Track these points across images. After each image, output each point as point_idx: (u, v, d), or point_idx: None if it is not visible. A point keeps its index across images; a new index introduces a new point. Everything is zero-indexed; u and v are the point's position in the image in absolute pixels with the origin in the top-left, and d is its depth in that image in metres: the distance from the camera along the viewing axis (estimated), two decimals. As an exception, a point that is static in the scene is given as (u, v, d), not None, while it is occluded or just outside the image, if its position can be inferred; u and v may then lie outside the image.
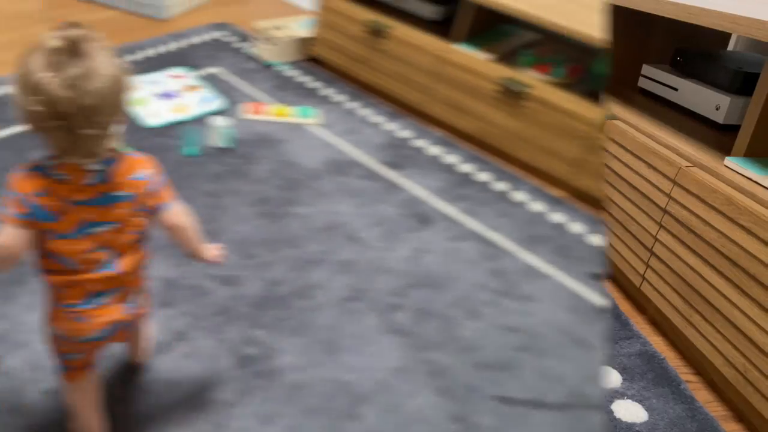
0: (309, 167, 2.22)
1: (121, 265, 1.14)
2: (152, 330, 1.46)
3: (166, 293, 1.63)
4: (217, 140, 2.21)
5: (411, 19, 2.64)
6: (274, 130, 2.40)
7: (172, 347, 1.50)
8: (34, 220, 1.05)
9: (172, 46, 2.87)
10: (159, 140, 2.20)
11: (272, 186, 2.09)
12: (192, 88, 2.55)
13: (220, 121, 2.22)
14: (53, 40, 0.97)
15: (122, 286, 1.16)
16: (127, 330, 1.24)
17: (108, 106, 1.00)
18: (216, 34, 3.06)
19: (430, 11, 2.63)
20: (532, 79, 2.30)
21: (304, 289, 1.72)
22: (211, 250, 1.25)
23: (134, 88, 1.08)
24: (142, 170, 1.12)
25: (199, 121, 2.34)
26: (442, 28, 2.58)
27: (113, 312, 1.16)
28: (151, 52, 2.79)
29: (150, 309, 1.34)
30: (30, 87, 0.95)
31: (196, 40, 2.95)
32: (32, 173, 1.05)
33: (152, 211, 1.15)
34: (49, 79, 0.94)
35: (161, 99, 2.44)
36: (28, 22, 3.03)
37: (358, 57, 2.71)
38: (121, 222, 1.11)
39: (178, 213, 1.17)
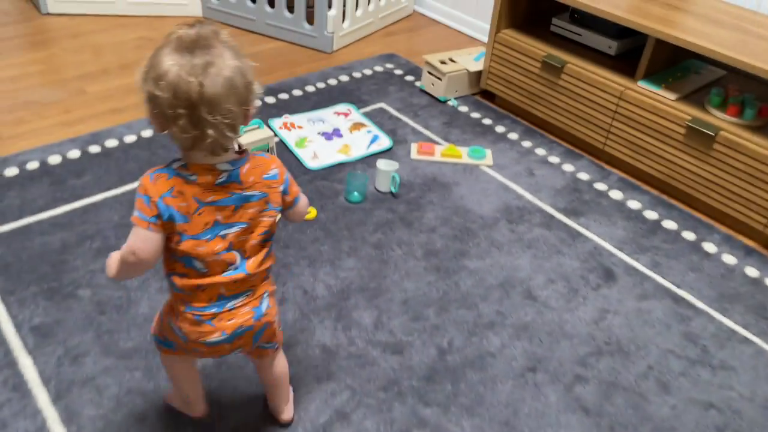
0: (481, 214, 2.18)
1: (251, 266, 1.13)
2: (284, 362, 1.39)
3: (327, 364, 1.61)
4: (383, 185, 2.25)
5: (588, 54, 2.54)
6: (443, 172, 2.39)
7: (334, 430, 1.48)
8: (166, 222, 1.05)
9: (338, 79, 3.00)
10: (321, 184, 2.27)
11: (442, 235, 2.08)
12: (357, 126, 2.62)
13: (386, 165, 2.26)
14: (182, 32, 1.00)
15: (251, 289, 1.16)
16: (251, 339, 1.21)
17: (232, 98, 1.00)
18: (383, 67, 3.15)
19: (608, 45, 2.51)
20: (721, 120, 2.16)
21: (478, 357, 1.68)
22: None
23: (257, 89, 1.06)
24: (272, 169, 1.13)
25: (364, 162, 2.40)
26: (621, 63, 2.48)
27: (240, 316, 1.15)
28: (315, 86, 2.93)
29: (278, 319, 1.29)
30: (158, 74, 0.98)
31: (362, 73, 3.06)
32: (162, 174, 1.06)
33: (284, 209, 1.17)
34: (176, 67, 0.97)
35: (325, 139, 2.52)
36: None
37: (531, 92, 2.66)
38: (252, 222, 1.11)
39: (305, 204, 1.24)
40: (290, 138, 2.47)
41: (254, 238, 1.12)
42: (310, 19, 3.21)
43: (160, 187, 1.04)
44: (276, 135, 2.46)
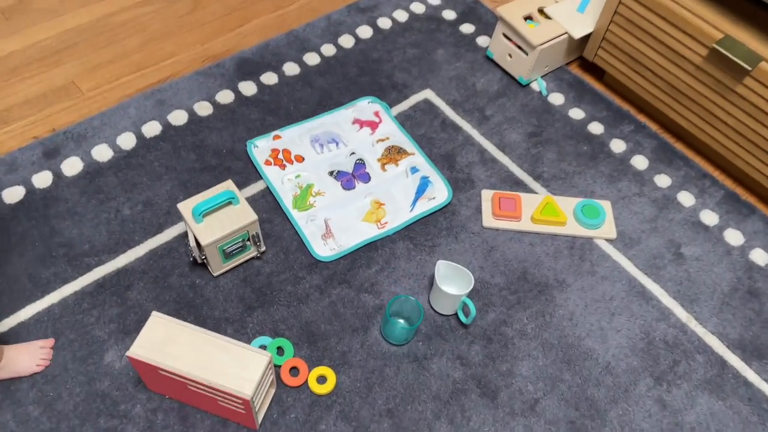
0: (607, 362, 1.30)
1: None
2: None
3: None
4: (446, 307, 1.32)
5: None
6: (537, 257, 1.44)
7: None
8: None
9: (355, 36, 1.88)
10: (340, 295, 1.36)
11: (550, 420, 1.22)
12: (394, 154, 1.60)
13: (451, 280, 1.35)
14: None
15: None
16: None
17: None
18: (426, 4, 2.06)
19: None
20: None
21: None
22: None
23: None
24: None
25: (406, 236, 1.44)
26: None
27: None
28: (319, 51, 1.83)
29: None
30: None
31: (392, 18, 1.92)
32: None
33: None
34: None
35: (343, 186, 1.53)
36: None
37: (678, 88, 1.59)
38: None
39: None
40: (285, 189, 1.50)
41: None
42: None
43: None
44: (269, 187, 1.50)
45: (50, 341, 1.24)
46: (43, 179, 1.47)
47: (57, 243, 1.38)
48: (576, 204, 1.52)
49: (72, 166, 1.50)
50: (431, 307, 1.36)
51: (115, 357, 1.24)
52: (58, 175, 1.49)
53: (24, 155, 1.52)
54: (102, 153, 1.54)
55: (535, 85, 1.79)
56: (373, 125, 1.64)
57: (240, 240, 1.31)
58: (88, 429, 1.16)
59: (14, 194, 1.44)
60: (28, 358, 1.21)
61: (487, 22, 1.95)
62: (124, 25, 1.85)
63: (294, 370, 1.24)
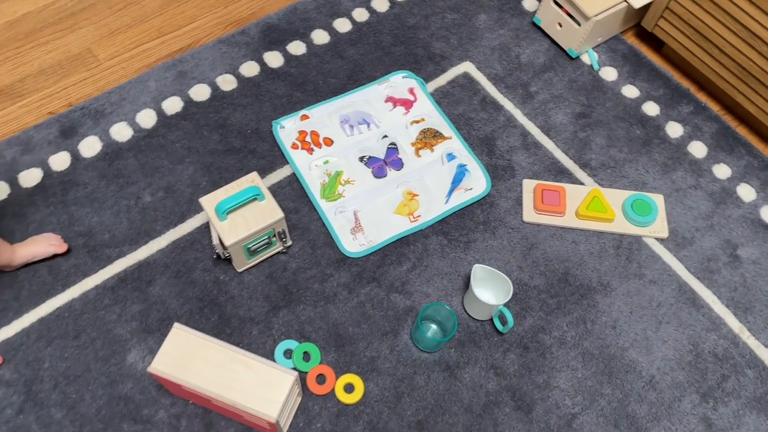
0: (651, 375, 1.22)
1: None
2: None
3: None
4: (482, 312, 1.25)
5: None
6: (581, 256, 1.35)
7: None
8: None
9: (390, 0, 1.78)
10: (369, 294, 1.29)
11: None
12: (429, 138, 1.49)
13: (487, 288, 1.28)
14: None
15: None
16: None
17: None
18: None
19: None
20: None
21: None
22: None
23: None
24: None
25: (440, 231, 1.36)
26: None
27: None
28: (350, 16, 1.75)
29: None
30: None
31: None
32: None
33: None
34: None
35: (374, 173, 1.44)
36: None
37: (751, 71, 1.43)
38: None
39: None
40: (313, 176, 1.41)
41: None
42: None
43: None
44: (295, 173, 1.41)
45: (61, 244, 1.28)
46: (60, 161, 1.41)
47: (76, 232, 1.33)
48: (626, 198, 1.40)
49: (90, 147, 1.43)
50: (465, 311, 1.29)
51: (137, 358, 1.21)
52: (75, 157, 1.42)
53: (40, 133, 1.45)
54: (121, 132, 1.46)
55: (585, 58, 1.64)
56: (408, 104, 1.53)
57: (265, 237, 1.24)
58: (112, 433, 1.16)
59: (31, 177, 1.38)
60: (43, 243, 1.25)
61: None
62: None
63: (321, 378, 1.20)
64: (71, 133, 1.45)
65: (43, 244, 1.27)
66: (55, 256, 1.29)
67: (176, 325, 1.08)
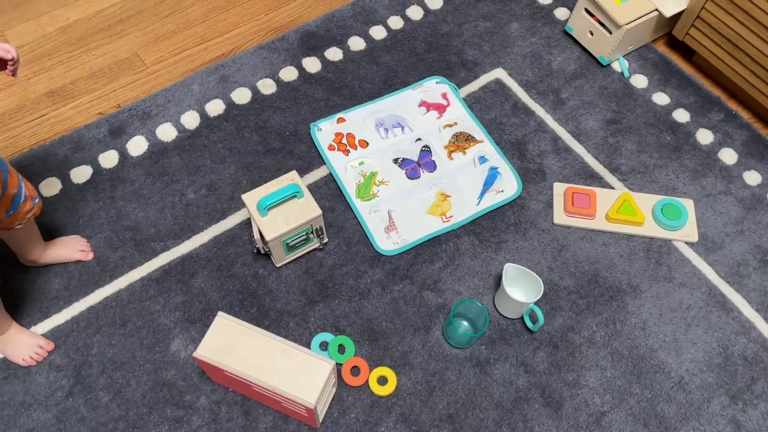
0: (681, 377, 1.24)
1: None
2: None
3: None
4: (513, 311, 1.28)
5: None
6: (611, 258, 1.38)
7: None
8: None
9: (423, 6, 1.84)
10: (402, 291, 1.33)
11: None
12: (461, 141, 1.53)
13: (518, 286, 1.30)
14: None
15: None
16: None
17: None
18: None
19: None
20: None
21: None
22: None
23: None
24: None
25: (472, 231, 1.39)
26: None
27: None
28: (386, 24, 1.74)
29: None
30: None
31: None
32: None
33: None
34: None
35: (408, 174, 1.48)
36: None
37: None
38: None
39: None
40: (348, 177, 1.46)
41: None
42: None
43: None
44: (332, 173, 1.46)
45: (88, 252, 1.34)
46: (109, 159, 1.48)
47: (124, 226, 1.40)
48: (656, 202, 1.42)
49: (137, 146, 1.50)
50: (495, 309, 1.32)
51: (180, 346, 1.26)
52: (123, 155, 1.49)
53: (90, 133, 1.52)
54: (166, 132, 1.53)
55: (616, 65, 1.67)
56: (441, 108, 1.57)
57: (303, 233, 1.29)
58: (155, 418, 1.19)
59: (82, 174, 1.46)
60: (70, 246, 1.33)
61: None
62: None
63: (355, 370, 1.24)
64: (119, 133, 1.53)
65: (72, 249, 1.34)
66: (78, 261, 1.36)
67: (220, 313, 1.13)
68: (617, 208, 1.41)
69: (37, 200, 1.18)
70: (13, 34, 1.71)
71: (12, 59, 1.00)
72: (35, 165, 1.47)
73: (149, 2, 1.78)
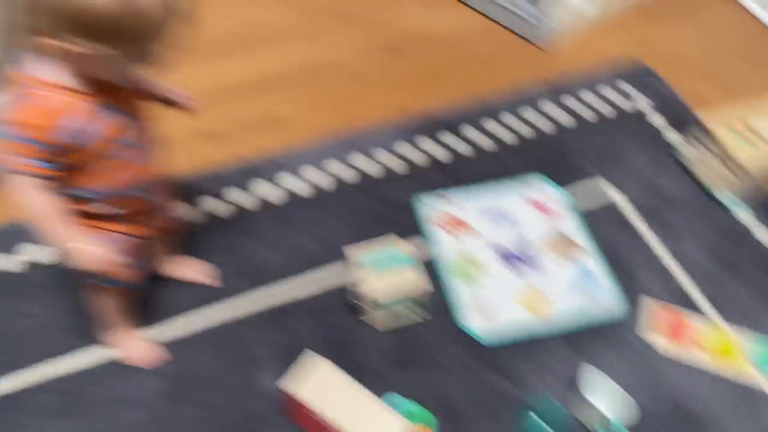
0: None
1: None
2: None
3: None
4: (595, 421, 1.28)
5: None
6: (696, 391, 1.36)
7: None
8: None
9: (549, 117, 1.90)
10: (496, 385, 1.36)
11: None
12: (564, 245, 1.58)
13: (603, 405, 1.27)
14: None
15: None
16: None
17: None
18: (616, 89, 1.96)
19: None
20: None
21: None
22: None
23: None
24: None
25: (568, 343, 1.42)
26: None
27: None
28: (507, 124, 1.86)
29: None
30: None
31: (580, 99, 1.93)
32: None
33: None
34: None
35: (504, 261, 1.54)
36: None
37: None
38: None
39: None
40: (450, 256, 1.55)
41: None
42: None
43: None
44: (434, 249, 1.55)
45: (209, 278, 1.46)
46: (242, 199, 1.64)
47: (240, 260, 1.53)
48: (758, 346, 1.40)
49: (270, 193, 1.66)
50: (576, 419, 1.31)
51: (268, 379, 1.34)
52: (255, 199, 1.65)
53: (230, 174, 1.70)
54: (297, 187, 1.68)
55: (725, 201, 1.68)
56: (546, 210, 1.65)
57: (407, 304, 1.37)
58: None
59: (218, 208, 1.62)
60: (195, 271, 1.46)
61: (681, 117, 1.87)
62: (332, 67, 2.02)
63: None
64: (254, 179, 1.69)
65: (194, 272, 1.47)
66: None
67: (313, 354, 1.23)
68: (716, 345, 1.39)
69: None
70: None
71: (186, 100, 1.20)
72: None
73: (303, 73, 1.99)
